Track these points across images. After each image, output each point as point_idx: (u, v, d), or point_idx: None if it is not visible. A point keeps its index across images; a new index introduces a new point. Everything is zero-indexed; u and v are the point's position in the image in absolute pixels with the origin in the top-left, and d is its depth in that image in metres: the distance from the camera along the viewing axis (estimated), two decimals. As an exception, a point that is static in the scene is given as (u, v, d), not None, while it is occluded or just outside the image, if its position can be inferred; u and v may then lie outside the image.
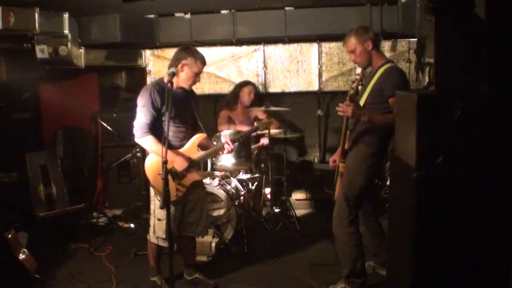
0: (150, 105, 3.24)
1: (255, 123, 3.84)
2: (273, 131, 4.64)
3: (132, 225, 5.03)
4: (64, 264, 4.19)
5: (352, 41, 3.37)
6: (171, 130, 3.32)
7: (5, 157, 4.61)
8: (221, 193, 4.32)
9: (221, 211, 4.36)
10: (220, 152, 3.54)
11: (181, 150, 3.40)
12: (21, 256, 3.64)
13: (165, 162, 2.72)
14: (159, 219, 3.40)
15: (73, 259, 4.34)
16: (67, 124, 5.78)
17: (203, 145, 3.53)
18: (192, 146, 3.44)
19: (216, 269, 4.00)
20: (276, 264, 4.12)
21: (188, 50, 3.35)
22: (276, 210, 4.95)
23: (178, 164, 3.30)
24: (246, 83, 5.31)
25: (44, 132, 5.73)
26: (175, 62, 3.32)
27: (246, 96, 5.19)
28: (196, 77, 3.35)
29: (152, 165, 3.32)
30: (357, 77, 3.42)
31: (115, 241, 4.72)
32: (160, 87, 3.31)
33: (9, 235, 3.61)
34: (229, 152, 3.54)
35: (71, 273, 4.01)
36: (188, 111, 3.46)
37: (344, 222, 3.36)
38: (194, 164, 3.41)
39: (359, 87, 3.43)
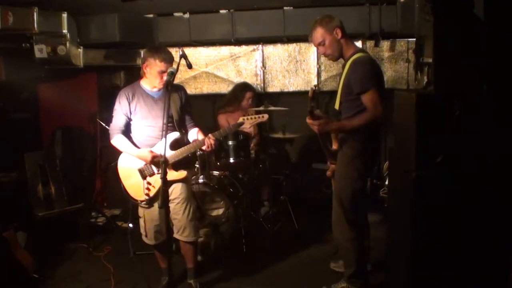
0: (119, 109, 3.38)
1: (240, 118, 3.51)
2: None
3: (130, 225, 5.00)
4: (63, 264, 4.19)
5: (319, 32, 3.16)
6: (142, 130, 3.37)
7: (4, 157, 4.60)
8: (220, 193, 4.31)
9: (220, 211, 4.36)
10: (203, 148, 3.40)
11: (151, 149, 3.33)
12: (20, 256, 3.63)
13: (163, 162, 2.72)
14: (140, 217, 3.50)
15: (72, 258, 4.34)
16: (66, 124, 5.77)
17: (175, 144, 3.37)
18: (162, 146, 3.23)
19: (215, 269, 4.00)
20: (275, 263, 4.12)
21: (150, 50, 3.33)
22: (275, 210, 4.95)
23: (143, 157, 3.31)
24: (247, 89, 5.25)
25: (43, 132, 5.71)
26: (142, 64, 3.38)
27: (246, 102, 5.18)
28: (161, 75, 3.26)
29: (122, 169, 3.49)
30: (310, 95, 3.15)
31: (114, 241, 4.72)
32: (131, 89, 3.42)
33: (8, 235, 3.61)
34: (210, 148, 3.37)
35: (70, 272, 4.01)
36: (162, 110, 3.23)
37: (345, 226, 3.28)
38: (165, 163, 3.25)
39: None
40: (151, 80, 3.33)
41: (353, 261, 3.33)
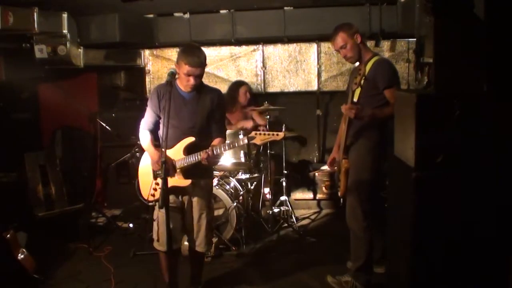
0: (150, 105, 3.31)
1: (252, 133, 3.17)
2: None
3: (131, 225, 5.02)
4: (63, 264, 4.18)
5: (342, 36, 3.41)
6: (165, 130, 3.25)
7: (4, 157, 4.60)
8: (220, 193, 4.32)
9: (220, 211, 4.36)
10: (200, 159, 3.17)
11: (168, 151, 3.18)
12: (20, 256, 3.64)
13: (163, 162, 2.71)
14: (154, 220, 3.35)
15: (72, 259, 4.33)
16: (66, 124, 5.78)
17: (191, 149, 3.21)
18: (177, 149, 3.22)
19: (215, 269, 4.00)
20: (275, 264, 4.12)
21: (181, 50, 3.19)
22: (275, 210, 4.96)
23: (152, 161, 3.29)
24: (240, 84, 5.35)
25: (43, 132, 5.72)
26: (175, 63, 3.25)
27: (243, 97, 5.24)
28: (187, 78, 3.12)
29: (142, 167, 3.43)
30: (360, 72, 3.32)
31: (114, 241, 4.72)
32: (164, 86, 3.25)
33: (8, 235, 3.61)
34: (207, 160, 3.14)
35: (70, 273, 4.01)
36: (191, 113, 3.24)
37: (359, 217, 3.39)
38: (174, 167, 3.19)
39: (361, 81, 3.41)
40: (181, 80, 3.17)
41: (363, 253, 3.39)
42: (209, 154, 3.10)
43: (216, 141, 3.30)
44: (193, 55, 3.11)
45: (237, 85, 5.34)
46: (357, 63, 3.53)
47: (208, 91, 3.31)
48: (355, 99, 3.36)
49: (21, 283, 3.62)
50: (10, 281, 3.56)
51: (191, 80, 3.12)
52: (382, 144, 3.38)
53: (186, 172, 3.24)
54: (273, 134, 3.13)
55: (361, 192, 3.38)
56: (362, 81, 3.32)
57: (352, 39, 3.40)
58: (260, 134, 3.12)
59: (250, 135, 3.13)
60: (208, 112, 3.26)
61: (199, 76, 3.15)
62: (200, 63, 3.11)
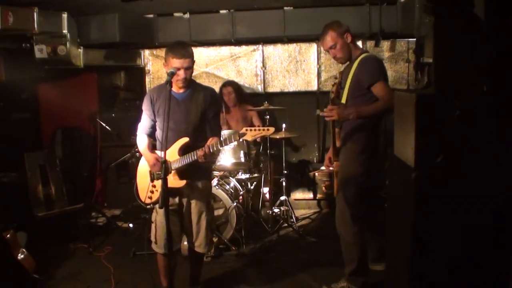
0: (144, 109, 3.33)
1: (243, 129, 3.17)
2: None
3: (131, 225, 5.03)
4: (63, 264, 4.18)
5: (331, 35, 3.34)
6: (161, 132, 3.24)
7: (4, 157, 4.60)
8: (220, 193, 4.32)
9: (220, 211, 4.36)
10: (195, 158, 3.15)
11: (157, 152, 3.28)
12: (20, 256, 3.63)
13: (163, 162, 2.70)
14: (152, 222, 3.34)
15: (72, 259, 4.33)
16: (66, 124, 5.78)
17: (186, 150, 3.19)
18: (172, 150, 3.19)
19: (215, 269, 4.00)
20: (275, 264, 4.12)
21: (167, 49, 3.18)
22: (275, 210, 4.96)
23: (149, 163, 3.28)
24: (224, 85, 5.36)
25: (43, 132, 5.72)
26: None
27: (225, 97, 5.24)
28: (177, 72, 3.08)
29: (139, 169, 3.44)
30: (336, 80, 3.35)
31: (114, 241, 4.71)
32: (157, 90, 3.33)
33: (8, 235, 3.60)
34: (204, 158, 3.11)
35: (70, 273, 4.01)
36: (185, 113, 3.22)
37: (347, 221, 3.33)
38: (170, 168, 3.17)
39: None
40: (173, 79, 3.09)
41: (355, 257, 3.35)
42: (206, 151, 3.07)
43: (210, 140, 3.24)
44: (178, 48, 3.13)
45: (222, 86, 5.35)
46: (348, 63, 3.46)
47: (201, 90, 3.30)
48: (343, 101, 3.31)
49: (21, 283, 3.62)
50: (10, 281, 3.56)
51: (181, 74, 3.10)
52: (371, 147, 3.32)
53: (182, 173, 3.22)
54: (263, 130, 3.16)
55: (349, 196, 3.32)
56: (345, 90, 3.29)
57: (342, 38, 3.32)
58: (250, 130, 3.14)
59: (241, 132, 3.14)
60: (201, 111, 3.25)
61: (188, 69, 3.13)
62: (188, 54, 3.12)
